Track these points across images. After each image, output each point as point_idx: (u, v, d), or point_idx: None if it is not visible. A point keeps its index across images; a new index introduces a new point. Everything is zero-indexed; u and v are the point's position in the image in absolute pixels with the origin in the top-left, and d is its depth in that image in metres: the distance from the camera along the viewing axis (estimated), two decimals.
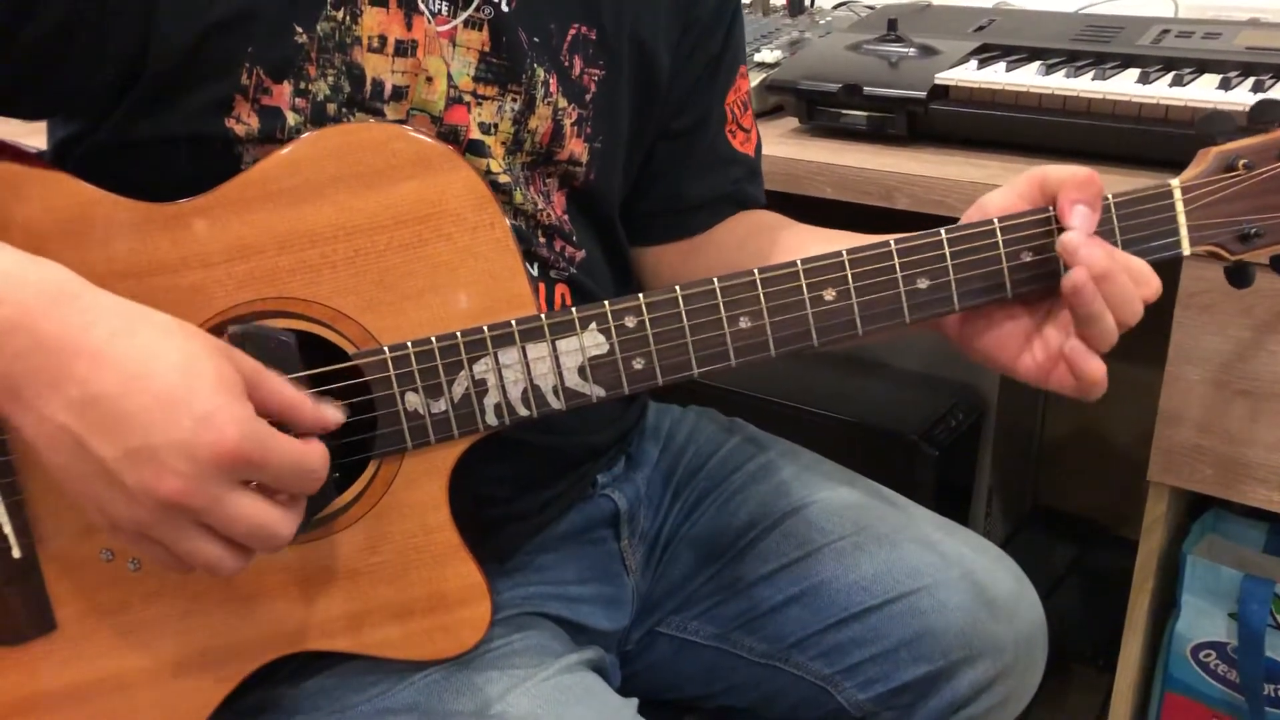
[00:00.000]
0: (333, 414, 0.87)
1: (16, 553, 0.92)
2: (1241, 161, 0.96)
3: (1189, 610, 1.64)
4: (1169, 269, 1.35)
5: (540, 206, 1.08)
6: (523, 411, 0.94)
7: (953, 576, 1.19)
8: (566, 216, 1.11)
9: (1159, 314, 1.36)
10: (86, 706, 0.96)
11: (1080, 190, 0.92)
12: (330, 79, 0.96)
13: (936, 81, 1.58)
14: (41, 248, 0.82)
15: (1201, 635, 1.64)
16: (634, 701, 1.08)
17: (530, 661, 1.06)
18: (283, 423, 0.84)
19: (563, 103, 1.07)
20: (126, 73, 0.92)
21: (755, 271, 0.93)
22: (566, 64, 1.07)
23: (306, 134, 0.93)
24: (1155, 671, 1.71)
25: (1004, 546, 1.26)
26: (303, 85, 0.95)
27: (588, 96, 1.09)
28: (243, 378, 0.81)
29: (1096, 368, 0.93)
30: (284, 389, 0.84)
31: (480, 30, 1.01)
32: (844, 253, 0.94)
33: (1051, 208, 0.94)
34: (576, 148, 1.09)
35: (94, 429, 0.76)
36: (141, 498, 0.77)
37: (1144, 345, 1.57)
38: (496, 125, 1.04)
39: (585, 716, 1.01)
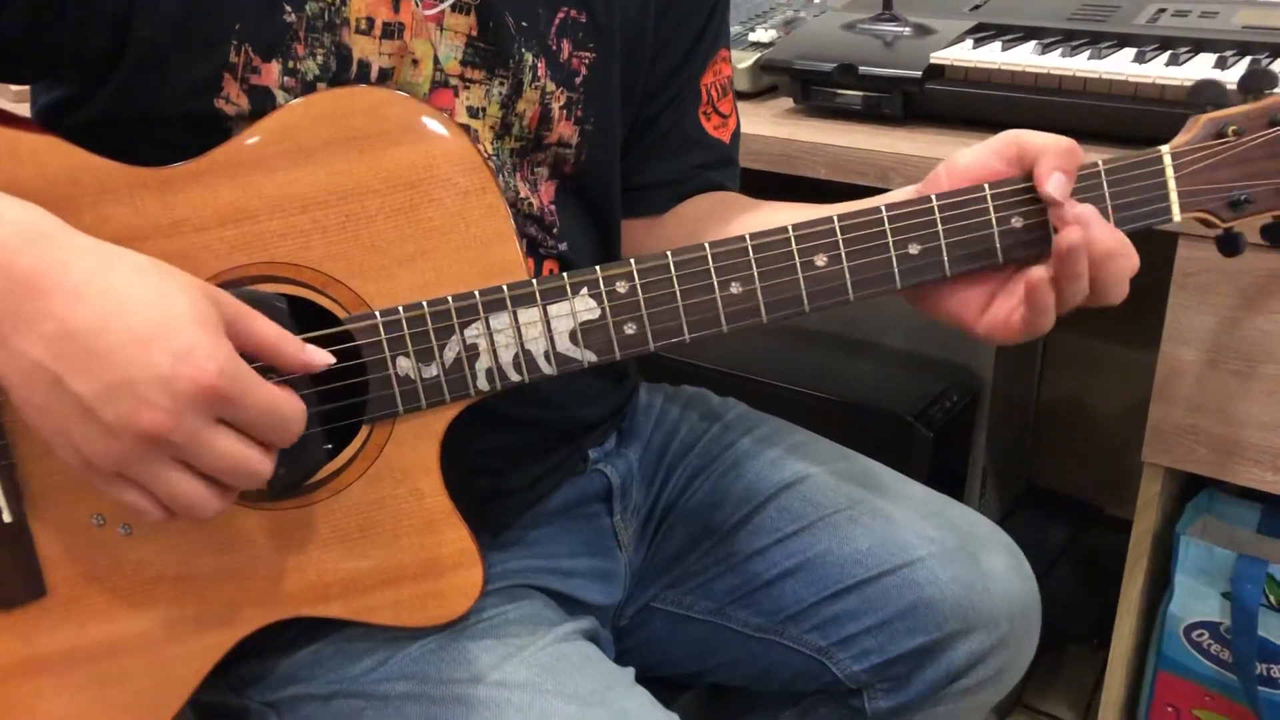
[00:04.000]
0: (319, 355, 0.87)
1: (7, 517, 0.92)
2: (1232, 128, 0.96)
3: (1182, 590, 1.65)
4: (1164, 249, 1.35)
5: (523, 195, 1.08)
6: (514, 376, 0.94)
7: (947, 549, 1.19)
8: (554, 207, 1.11)
9: (1153, 295, 1.36)
10: (78, 671, 0.96)
11: (1061, 159, 0.93)
12: (319, 58, 0.96)
13: (932, 61, 1.58)
14: None
15: (1195, 615, 1.65)
16: (631, 670, 1.08)
17: (526, 630, 1.06)
18: (267, 362, 0.84)
19: (551, 86, 1.07)
20: (114, 43, 0.91)
21: (747, 237, 0.93)
22: (554, 48, 1.07)
23: (299, 98, 0.93)
24: (1149, 651, 1.72)
25: (999, 526, 1.27)
26: (291, 64, 0.95)
27: (577, 80, 1.09)
28: (223, 317, 0.80)
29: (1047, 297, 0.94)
30: (268, 328, 0.84)
31: (468, 15, 1.01)
32: (835, 218, 0.94)
33: None
34: (566, 130, 1.09)
35: (71, 365, 0.76)
36: (120, 432, 0.77)
37: (1138, 326, 1.57)
38: (484, 109, 1.04)
39: (583, 684, 1.01)
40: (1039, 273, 0.92)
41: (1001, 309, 0.98)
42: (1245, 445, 1.42)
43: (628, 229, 1.25)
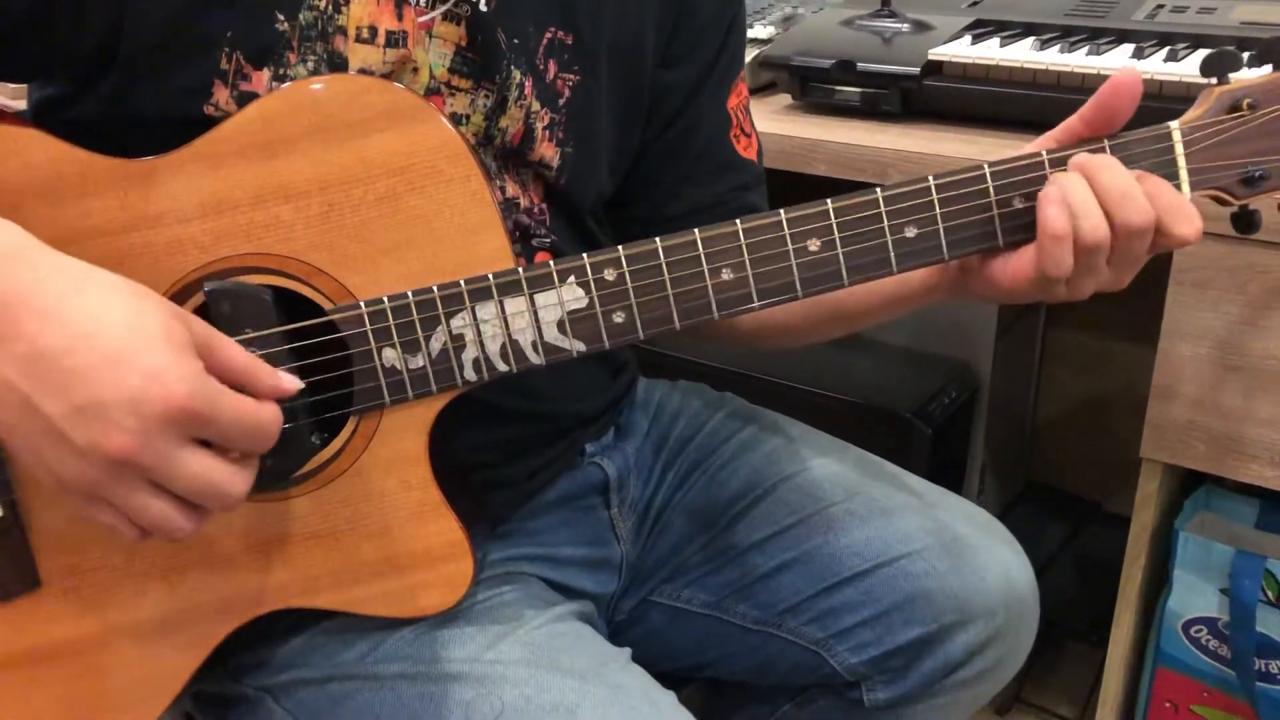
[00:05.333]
0: (290, 381, 0.86)
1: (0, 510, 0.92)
2: (1246, 101, 0.92)
3: (1181, 586, 1.65)
4: None
5: (511, 194, 1.08)
6: (502, 366, 0.93)
7: (944, 540, 1.19)
8: (544, 205, 1.11)
9: (1152, 291, 1.36)
10: (73, 661, 0.96)
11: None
12: (310, 65, 0.95)
13: (930, 57, 1.58)
14: (17, 205, 0.82)
15: (1193, 611, 1.65)
16: (627, 650, 1.08)
17: (520, 612, 1.06)
18: (239, 389, 0.83)
19: (536, 106, 1.06)
20: (106, 46, 0.92)
21: (738, 222, 0.92)
22: (541, 67, 1.06)
23: (280, 87, 0.93)
24: (1147, 647, 1.72)
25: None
26: (282, 72, 0.95)
27: (561, 101, 1.08)
28: (194, 340, 0.80)
29: (1055, 219, 0.90)
30: (239, 355, 0.83)
31: (458, 25, 1.01)
32: (829, 202, 0.92)
33: (1044, 152, 0.93)
34: (547, 151, 1.08)
35: (41, 386, 0.75)
36: (90, 455, 0.76)
37: (1137, 322, 1.57)
38: (468, 117, 1.03)
39: (579, 660, 1.01)
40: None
41: (1024, 252, 0.94)
42: (1243, 441, 1.42)
43: None
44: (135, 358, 0.76)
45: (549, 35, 1.06)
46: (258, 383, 0.84)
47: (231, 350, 0.83)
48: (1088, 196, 0.90)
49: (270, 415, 0.83)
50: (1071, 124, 0.95)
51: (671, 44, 1.18)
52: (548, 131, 1.07)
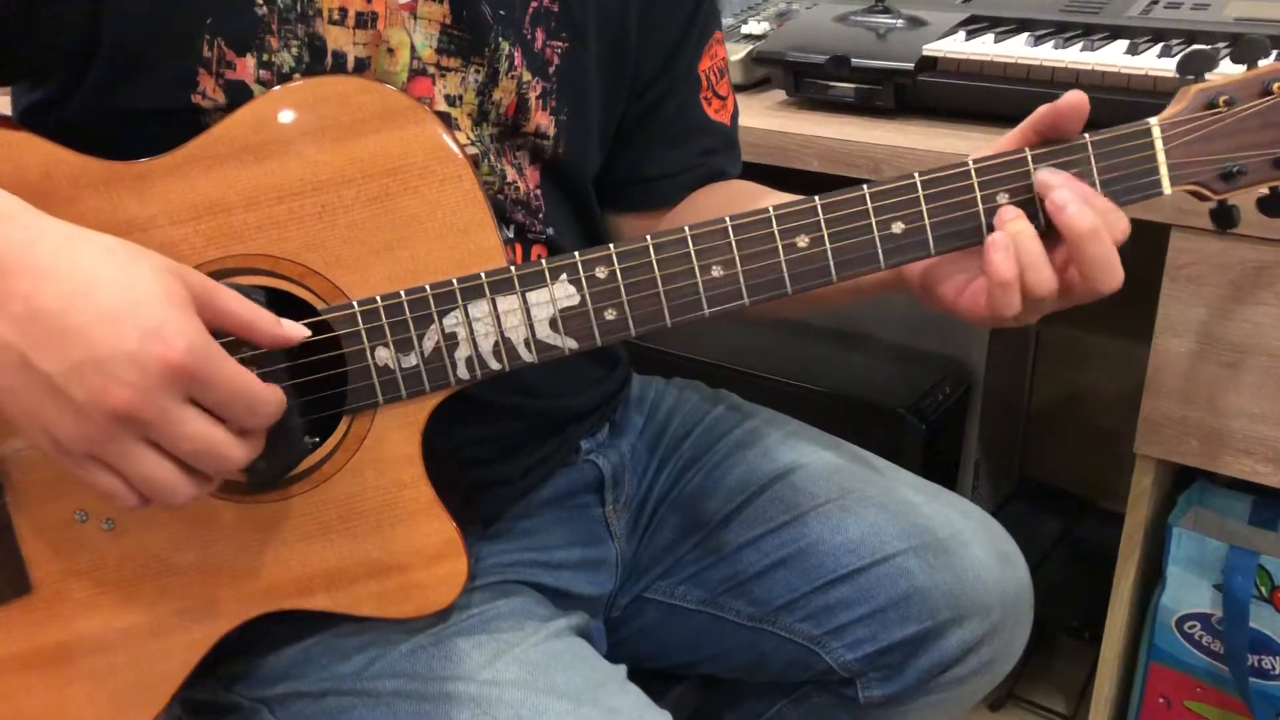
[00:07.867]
0: (294, 329, 0.86)
1: None
2: (1223, 98, 0.94)
3: (1174, 582, 1.65)
4: (1156, 241, 1.35)
5: (510, 179, 1.08)
6: (494, 364, 0.93)
7: (939, 538, 1.19)
8: (539, 191, 1.11)
9: (1146, 286, 1.36)
10: (64, 668, 0.96)
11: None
12: (293, 50, 0.95)
13: (924, 53, 1.58)
14: None
15: (1186, 606, 1.65)
16: (622, 667, 1.08)
17: (515, 626, 1.05)
18: (242, 337, 0.84)
19: (527, 76, 1.06)
20: (87, 42, 0.92)
21: (727, 219, 0.92)
22: (529, 37, 1.06)
23: (272, 89, 0.92)
24: (1140, 643, 1.72)
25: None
26: (266, 57, 0.95)
27: (551, 69, 1.08)
28: (194, 296, 0.80)
29: (1002, 265, 0.90)
30: (240, 304, 0.83)
31: (441, 3, 1.01)
32: (817, 199, 0.92)
33: (1027, 149, 0.93)
34: (542, 120, 1.08)
35: (38, 344, 0.76)
36: (90, 411, 0.76)
37: (1130, 318, 1.57)
38: (461, 97, 1.03)
39: (574, 681, 1.01)
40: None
41: (979, 284, 0.95)
42: (1235, 436, 1.42)
43: (636, 225, 1.25)
44: (134, 314, 0.76)
45: (535, 3, 1.07)
46: (261, 330, 0.84)
47: (232, 300, 0.83)
48: (1035, 248, 0.91)
49: (271, 394, 0.83)
50: (1024, 131, 0.95)
51: (649, 9, 1.18)
52: (540, 100, 1.08)
